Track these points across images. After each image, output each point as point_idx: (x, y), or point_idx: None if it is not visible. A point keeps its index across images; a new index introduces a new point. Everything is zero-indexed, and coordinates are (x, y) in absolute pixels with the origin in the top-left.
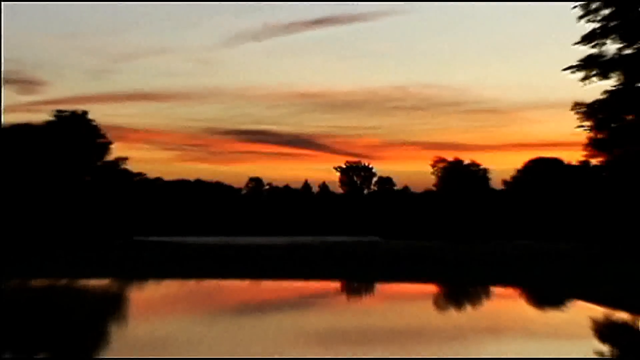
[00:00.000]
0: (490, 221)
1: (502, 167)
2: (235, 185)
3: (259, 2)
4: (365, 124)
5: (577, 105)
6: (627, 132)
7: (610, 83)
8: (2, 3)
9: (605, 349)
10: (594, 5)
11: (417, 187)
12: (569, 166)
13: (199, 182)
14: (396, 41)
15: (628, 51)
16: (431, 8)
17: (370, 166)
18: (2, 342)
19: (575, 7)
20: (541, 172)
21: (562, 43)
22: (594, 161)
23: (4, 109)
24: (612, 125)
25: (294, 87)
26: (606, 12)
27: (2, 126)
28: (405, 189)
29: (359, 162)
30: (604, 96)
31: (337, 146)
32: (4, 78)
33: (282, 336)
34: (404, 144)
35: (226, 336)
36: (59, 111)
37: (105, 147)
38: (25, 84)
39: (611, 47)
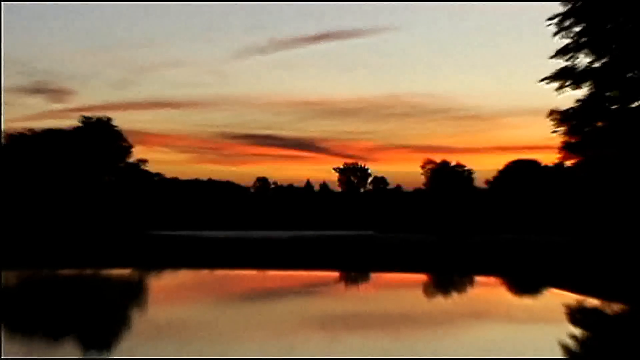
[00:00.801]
0: (474, 217)
1: (485, 168)
2: (244, 185)
3: (266, 20)
4: (361, 129)
5: (552, 113)
6: (598, 137)
7: (582, 92)
8: (36, 21)
9: (575, 331)
10: (567, 23)
11: (408, 186)
12: (545, 167)
13: (211, 182)
14: (389, 54)
15: (598, 64)
16: (420, 25)
17: (366, 167)
18: (38, 323)
19: (550, 24)
20: (520, 172)
21: (539, 56)
22: (567, 163)
23: (36, 115)
24: (584, 130)
25: (297, 96)
26: (578, 29)
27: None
28: (398, 187)
29: (356, 163)
30: (577, 104)
31: (335, 149)
32: (37, 88)
33: (286, 319)
34: (396, 147)
35: (237, 319)
36: (86, 118)
37: (127, 150)
38: (56, 93)
39: (583, 60)
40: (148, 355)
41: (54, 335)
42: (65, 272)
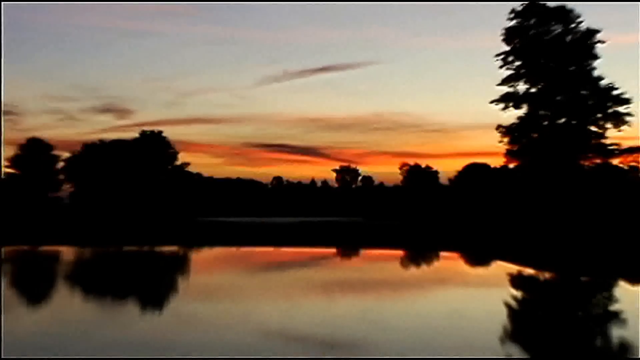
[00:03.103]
0: (439, 207)
1: (448, 169)
2: (264, 182)
3: (281, 56)
4: (353, 140)
5: (499, 127)
6: (533, 146)
7: (522, 112)
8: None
9: (515, 292)
10: (509, 59)
11: (389, 183)
12: (494, 169)
13: (238, 180)
14: (375, 82)
15: (532, 90)
16: (399, 60)
17: (357, 168)
18: (113, 284)
19: (497, 59)
20: (474, 173)
21: (489, 83)
22: (510, 165)
23: (106, 129)
24: (523, 140)
25: (304, 114)
26: (518, 63)
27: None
28: (381, 184)
29: (349, 165)
30: (517, 121)
31: (334, 155)
32: (107, 108)
33: (295, 283)
34: (380, 153)
35: (258, 283)
36: (143, 131)
37: (174, 155)
38: (121, 112)
39: (521, 87)
40: (195, 308)
41: (125, 293)
42: (132, 248)
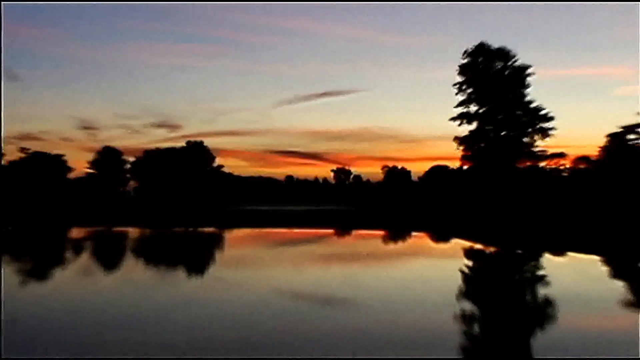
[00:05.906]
0: (411, 199)
1: (418, 169)
2: (279, 179)
3: (293, 84)
4: (346, 147)
5: (456, 138)
6: (481, 152)
7: (473, 127)
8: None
9: (468, 262)
10: (463, 87)
11: (373, 180)
12: (452, 169)
13: (260, 178)
14: (364, 104)
15: (481, 110)
16: (382, 87)
17: (349, 169)
18: (170, 255)
19: (454, 87)
20: (438, 173)
21: (449, 105)
22: (465, 167)
23: (161, 140)
24: (474, 148)
25: (310, 128)
26: (469, 90)
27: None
28: (367, 181)
29: (344, 167)
30: (469, 133)
31: (332, 159)
32: (162, 124)
33: (302, 255)
34: (367, 157)
35: (274, 255)
36: (188, 141)
37: (212, 159)
38: (171, 126)
39: (473, 108)
40: (230, 271)
41: (175, 262)
42: (180, 229)
